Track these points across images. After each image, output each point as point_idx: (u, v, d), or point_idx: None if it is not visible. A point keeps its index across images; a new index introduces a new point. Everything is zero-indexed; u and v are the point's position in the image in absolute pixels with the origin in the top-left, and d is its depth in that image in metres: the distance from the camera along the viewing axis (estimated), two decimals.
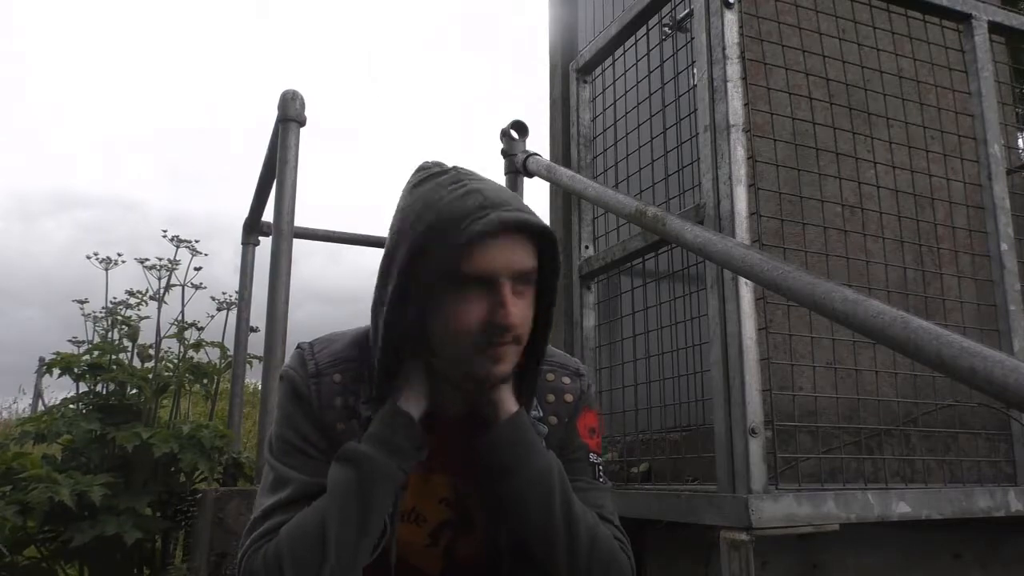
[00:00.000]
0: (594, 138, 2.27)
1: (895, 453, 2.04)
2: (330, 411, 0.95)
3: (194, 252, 2.94)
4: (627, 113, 2.20)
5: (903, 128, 2.02)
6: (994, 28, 1.98)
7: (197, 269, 2.95)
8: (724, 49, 1.62)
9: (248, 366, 3.19)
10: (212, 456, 2.49)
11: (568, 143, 2.47)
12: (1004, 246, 1.82)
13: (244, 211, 3.30)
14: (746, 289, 1.50)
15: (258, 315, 3.23)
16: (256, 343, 3.17)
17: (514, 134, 2.35)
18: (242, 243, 3.36)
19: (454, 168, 0.94)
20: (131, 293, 2.89)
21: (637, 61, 2.16)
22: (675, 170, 2.00)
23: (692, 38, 1.78)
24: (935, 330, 0.92)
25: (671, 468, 2.00)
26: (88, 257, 2.89)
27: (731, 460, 1.46)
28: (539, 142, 3.70)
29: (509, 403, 0.95)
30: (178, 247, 2.91)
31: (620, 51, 2.20)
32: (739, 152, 1.58)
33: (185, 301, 2.91)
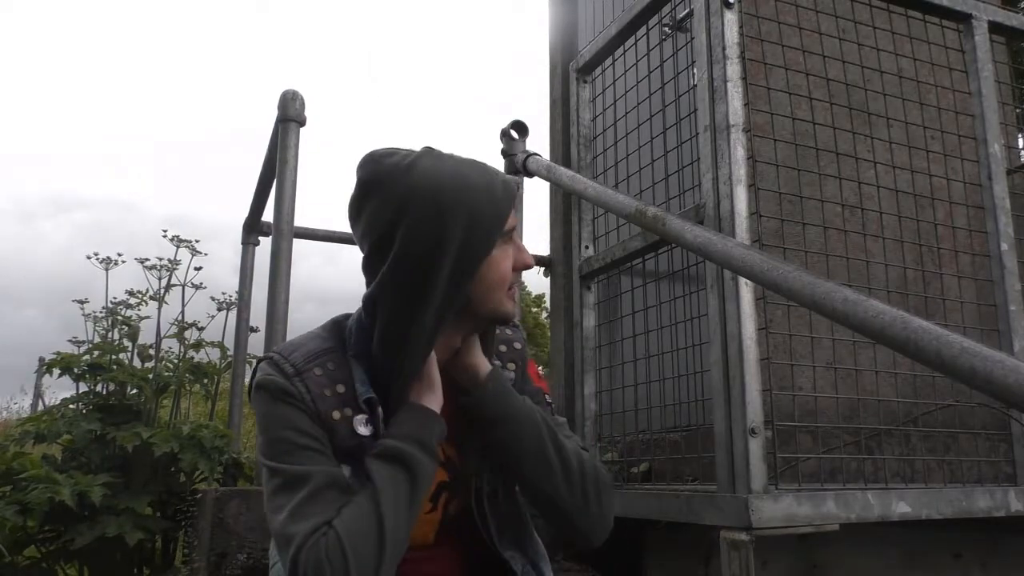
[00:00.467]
0: (594, 138, 2.27)
1: (895, 453, 2.04)
2: (322, 401, 0.96)
3: (194, 252, 2.94)
4: (627, 113, 2.20)
5: (903, 128, 2.02)
6: (994, 28, 1.98)
7: (197, 269, 2.95)
8: (724, 49, 1.62)
9: (248, 366, 3.18)
10: (212, 456, 2.49)
11: (568, 143, 2.47)
12: (1004, 246, 1.82)
13: (243, 212, 3.30)
14: (746, 289, 1.50)
15: (258, 315, 3.23)
16: (256, 343, 3.17)
17: (514, 134, 2.36)
18: (242, 243, 3.35)
19: (424, 147, 0.99)
20: (131, 293, 2.88)
21: (637, 61, 2.16)
22: (675, 170, 2.00)
23: (692, 38, 1.78)
24: (935, 330, 0.92)
25: (671, 468, 2.00)
26: (88, 257, 2.89)
27: (731, 460, 1.46)
28: (539, 142, 3.70)
29: (483, 362, 1.04)
30: (178, 247, 2.91)
31: (620, 51, 2.20)
32: (739, 152, 1.58)
33: (185, 301, 2.91)
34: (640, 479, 1.98)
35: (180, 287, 2.90)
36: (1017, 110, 2.45)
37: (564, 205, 2.91)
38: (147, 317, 2.86)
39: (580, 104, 2.26)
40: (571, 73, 2.30)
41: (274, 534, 0.92)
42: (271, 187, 2.42)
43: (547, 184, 2.75)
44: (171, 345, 2.89)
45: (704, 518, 1.50)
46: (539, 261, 3.13)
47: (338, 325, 1.06)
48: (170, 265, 2.89)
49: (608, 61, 2.25)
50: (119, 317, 2.83)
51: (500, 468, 1.06)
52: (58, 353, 2.76)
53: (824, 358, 1.91)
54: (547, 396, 1.16)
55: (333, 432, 0.96)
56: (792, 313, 1.86)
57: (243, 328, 3.16)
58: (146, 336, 2.84)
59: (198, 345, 2.92)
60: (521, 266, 1.03)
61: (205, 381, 2.90)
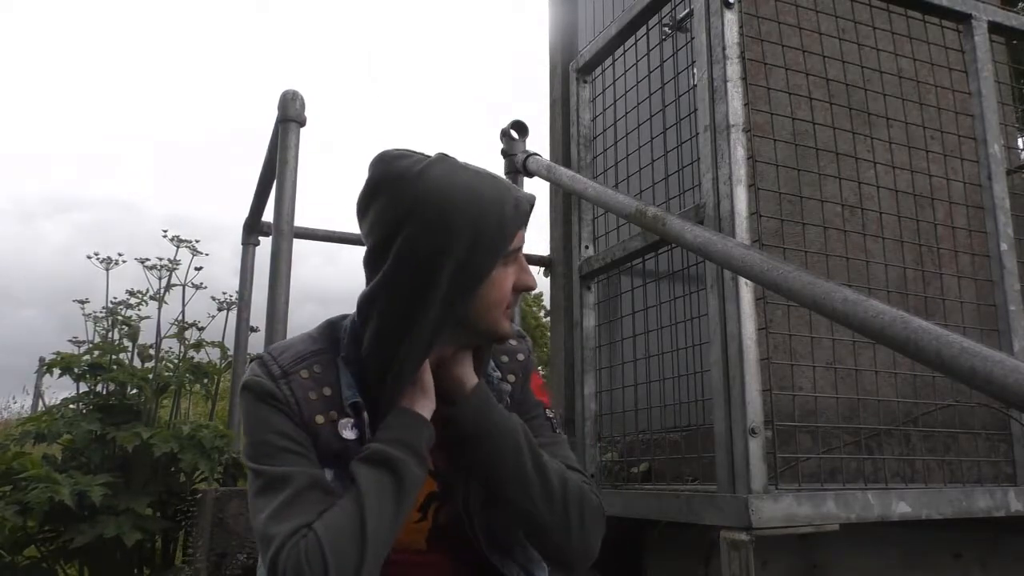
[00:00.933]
0: (594, 138, 2.27)
1: (895, 453, 2.04)
2: (307, 405, 0.96)
3: (194, 252, 2.94)
4: (627, 113, 2.20)
5: (903, 128, 2.02)
6: (994, 28, 1.98)
7: (197, 269, 2.95)
8: (724, 49, 1.62)
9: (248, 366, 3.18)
10: (212, 456, 2.49)
11: (568, 143, 2.47)
12: (1004, 246, 1.82)
13: (243, 212, 3.30)
14: (746, 289, 1.50)
15: (258, 315, 3.23)
16: (256, 343, 3.17)
17: (514, 134, 2.36)
18: (242, 243, 3.35)
19: (439, 153, 0.98)
20: (131, 293, 2.88)
21: (637, 61, 2.16)
22: (675, 170, 2.00)
23: (692, 38, 1.78)
24: (935, 330, 0.92)
25: (671, 468, 2.00)
26: (88, 257, 2.89)
27: (731, 460, 1.46)
28: (539, 142, 3.69)
29: (470, 376, 1.03)
30: (178, 247, 2.91)
31: (620, 51, 2.20)
32: (739, 152, 1.58)
33: (185, 301, 2.91)
34: (640, 479, 1.98)
35: (180, 287, 2.90)
36: (1018, 109, 2.45)
37: (564, 205, 2.91)
38: (147, 317, 2.86)
39: (580, 104, 2.26)
40: (571, 73, 2.30)
41: (256, 535, 0.92)
42: (271, 187, 2.41)
43: (547, 184, 2.75)
44: (171, 345, 2.90)
45: (704, 518, 1.50)
46: (539, 261, 3.14)
47: (332, 326, 1.05)
48: (170, 265, 2.89)
49: (608, 61, 2.25)
50: (119, 317, 2.83)
51: (482, 483, 1.04)
52: (58, 353, 2.76)
53: (824, 358, 1.91)
54: (548, 411, 1.14)
55: (317, 436, 0.95)
56: (792, 313, 1.86)
57: (243, 328, 3.16)
58: (146, 336, 2.84)
59: (198, 345, 2.92)
60: (522, 287, 1.01)
61: (205, 381, 2.90)
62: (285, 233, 2.21)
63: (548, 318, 4.63)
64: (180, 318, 2.90)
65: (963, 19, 1.95)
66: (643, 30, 2.08)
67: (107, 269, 2.87)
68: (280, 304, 2.17)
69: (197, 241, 2.93)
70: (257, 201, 3.12)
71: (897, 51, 2.07)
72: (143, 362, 2.80)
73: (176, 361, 2.87)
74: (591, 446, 2.00)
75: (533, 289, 1.02)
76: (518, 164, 2.30)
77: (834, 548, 1.81)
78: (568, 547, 1.02)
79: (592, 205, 2.16)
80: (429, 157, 0.96)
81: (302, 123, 2.29)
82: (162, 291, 2.86)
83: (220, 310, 3.09)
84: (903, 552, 1.88)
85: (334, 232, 3.43)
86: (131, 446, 2.40)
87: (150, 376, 2.71)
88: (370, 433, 0.97)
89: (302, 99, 2.31)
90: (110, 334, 2.84)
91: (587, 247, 2.17)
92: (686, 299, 1.99)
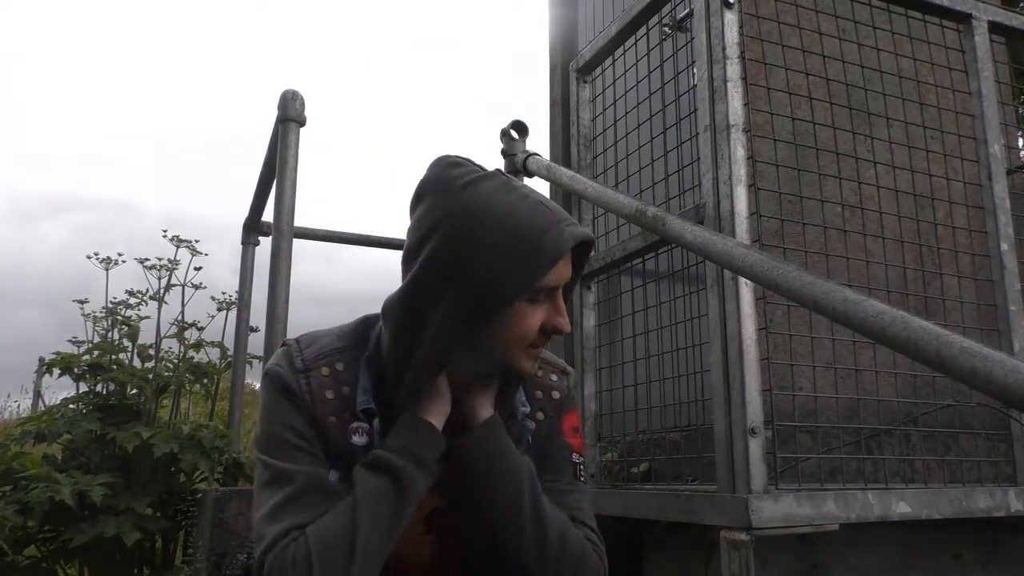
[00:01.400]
0: (594, 138, 2.27)
1: (895, 453, 2.04)
2: (321, 404, 0.95)
3: (194, 252, 2.94)
4: (627, 113, 2.20)
5: (903, 128, 2.02)
6: (994, 28, 1.98)
7: (197, 269, 2.95)
8: (724, 49, 1.62)
9: (248, 366, 3.19)
10: (212, 456, 2.49)
11: (568, 143, 2.47)
12: (1004, 246, 1.82)
13: (241, 213, 3.30)
14: (746, 289, 1.50)
15: (258, 315, 3.23)
16: (256, 343, 3.17)
17: (514, 134, 2.36)
18: (242, 243, 3.35)
19: (496, 170, 0.95)
20: (131, 293, 2.89)
21: (637, 61, 2.16)
22: (675, 170, 2.00)
23: (692, 38, 1.78)
24: (935, 330, 0.92)
25: (671, 468, 2.01)
26: (88, 257, 2.89)
27: (731, 460, 1.46)
28: (539, 142, 3.70)
29: (484, 408, 0.99)
30: (178, 247, 2.91)
31: (620, 51, 2.20)
32: (739, 152, 1.58)
33: (185, 301, 2.91)
34: (640, 479, 1.98)
35: (180, 287, 2.90)
36: (1018, 108, 2.45)
37: (564, 205, 2.91)
38: (147, 317, 2.86)
39: (580, 104, 2.26)
40: (571, 73, 2.30)
41: (253, 529, 0.92)
42: (271, 187, 2.42)
43: (547, 184, 2.75)
44: (171, 345, 2.90)
45: (704, 518, 1.50)
46: None
47: (366, 323, 1.03)
48: (170, 265, 2.89)
49: (608, 61, 2.25)
50: (119, 317, 2.83)
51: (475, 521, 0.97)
52: (58, 353, 2.76)
53: (824, 358, 1.91)
54: (575, 455, 1.08)
55: (327, 436, 0.95)
56: (792, 313, 1.86)
57: (243, 328, 3.16)
58: (146, 336, 2.85)
59: (198, 345, 2.92)
60: (552, 330, 0.94)
61: (205, 381, 2.90)
62: (285, 233, 2.21)
63: None
64: (180, 318, 2.90)
65: (963, 19, 1.95)
66: (643, 30, 2.08)
67: (107, 269, 2.87)
68: (280, 304, 2.17)
69: (197, 241, 2.94)
70: (257, 201, 3.12)
71: (897, 51, 2.07)
72: (143, 362, 2.80)
73: (176, 361, 2.87)
74: (591, 446, 2.00)
75: (563, 333, 0.96)
76: (518, 164, 2.30)
77: (834, 548, 1.81)
78: None
79: (592, 205, 2.16)
80: (483, 171, 0.93)
81: (302, 123, 2.30)
82: (162, 291, 2.86)
83: (220, 310, 3.09)
84: (903, 552, 1.88)
85: (334, 232, 3.43)
86: (131, 446, 2.41)
87: (150, 376, 2.71)
88: (380, 439, 0.96)
89: (302, 99, 2.31)
90: (110, 334, 2.84)
91: None
92: (686, 299, 1.99)
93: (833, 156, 1.88)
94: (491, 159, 2.49)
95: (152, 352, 2.81)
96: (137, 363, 2.80)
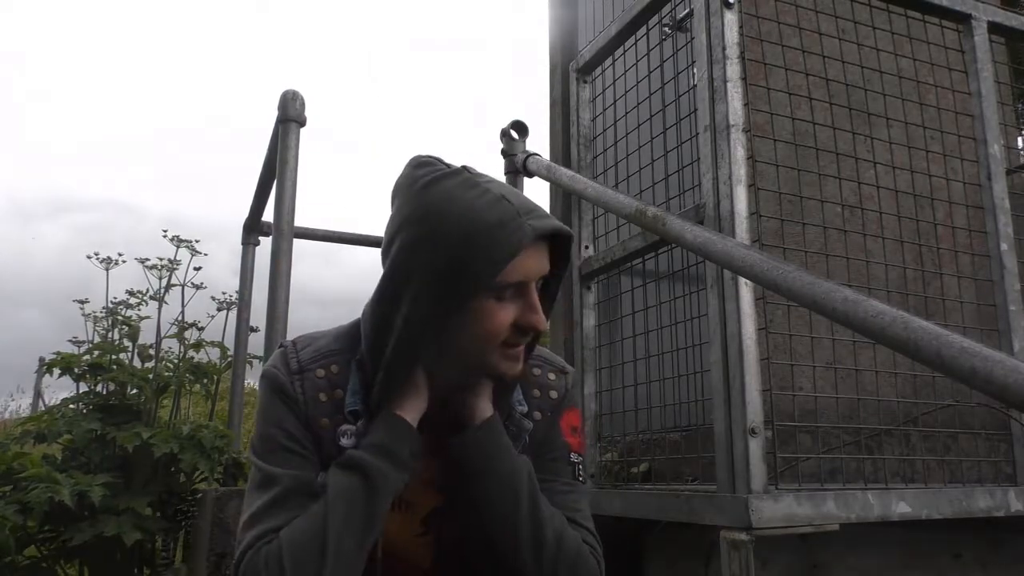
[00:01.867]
0: (594, 138, 2.27)
1: (895, 453, 2.04)
2: (315, 407, 0.95)
3: (194, 252, 2.94)
4: (627, 113, 2.20)
5: (903, 128, 2.02)
6: (994, 28, 1.98)
7: (197, 269, 2.95)
8: (724, 49, 1.62)
9: (248, 366, 3.19)
10: (212, 456, 2.49)
11: (568, 143, 2.47)
12: (1004, 246, 1.82)
13: (241, 213, 3.30)
14: (746, 289, 1.50)
15: (258, 315, 3.23)
16: (256, 343, 3.17)
17: (514, 134, 2.36)
18: (242, 243, 3.36)
19: (462, 167, 0.94)
20: (131, 293, 2.88)
21: (637, 61, 2.16)
22: (675, 170, 2.00)
23: (692, 38, 1.78)
24: (935, 330, 0.92)
25: (671, 468, 2.01)
26: (88, 257, 2.89)
27: (731, 460, 1.46)
28: (539, 142, 3.70)
29: (483, 407, 0.98)
30: (178, 247, 2.91)
31: (620, 51, 2.20)
32: (739, 152, 1.58)
33: (185, 301, 2.91)
34: (640, 479, 1.98)
35: (180, 287, 2.90)
36: (1018, 108, 2.45)
37: (564, 205, 2.91)
38: (147, 317, 2.86)
39: (580, 104, 2.26)
40: (571, 73, 2.30)
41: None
42: (271, 187, 2.42)
43: (547, 184, 2.75)
44: (171, 345, 2.89)
45: (704, 518, 1.50)
46: None
47: (359, 325, 1.02)
48: (170, 265, 2.89)
49: (608, 61, 2.25)
50: (119, 317, 2.83)
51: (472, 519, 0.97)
52: (58, 353, 2.76)
53: (824, 358, 1.91)
54: (574, 455, 1.06)
55: (320, 438, 0.95)
56: (792, 313, 1.86)
57: (243, 328, 3.16)
58: (146, 336, 2.84)
59: (198, 345, 2.92)
60: (526, 327, 0.92)
61: (205, 381, 2.90)
62: (285, 233, 2.21)
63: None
64: (180, 318, 2.90)
65: (963, 19, 1.95)
66: (643, 30, 2.08)
67: (107, 269, 2.87)
68: (280, 304, 2.18)
69: (197, 241, 2.93)
70: (257, 201, 3.13)
71: (897, 51, 2.07)
72: (143, 362, 2.79)
73: (176, 361, 2.87)
74: (591, 446, 2.00)
75: (539, 331, 0.93)
76: (518, 164, 2.30)
77: (834, 548, 1.82)
78: None
79: (592, 205, 2.16)
80: (447, 169, 0.92)
81: (302, 123, 2.30)
82: (162, 291, 2.86)
83: (220, 310, 3.09)
84: (903, 552, 1.88)
85: (334, 232, 3.42)
86: (131, 446, 2.40)
87: (150, 376, 2.71)
88: None
89: (302, 99, 2.31)
90: (110, 334, 2.84)
91: (587, 247, 2.17)
92: (686, 299, 1.99)
93: (833, 156, 1.88)
94: (491, 159, 2.49)
95: (152, 352, 2.81)
96: (137, 363, 2.80)
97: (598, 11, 3.02)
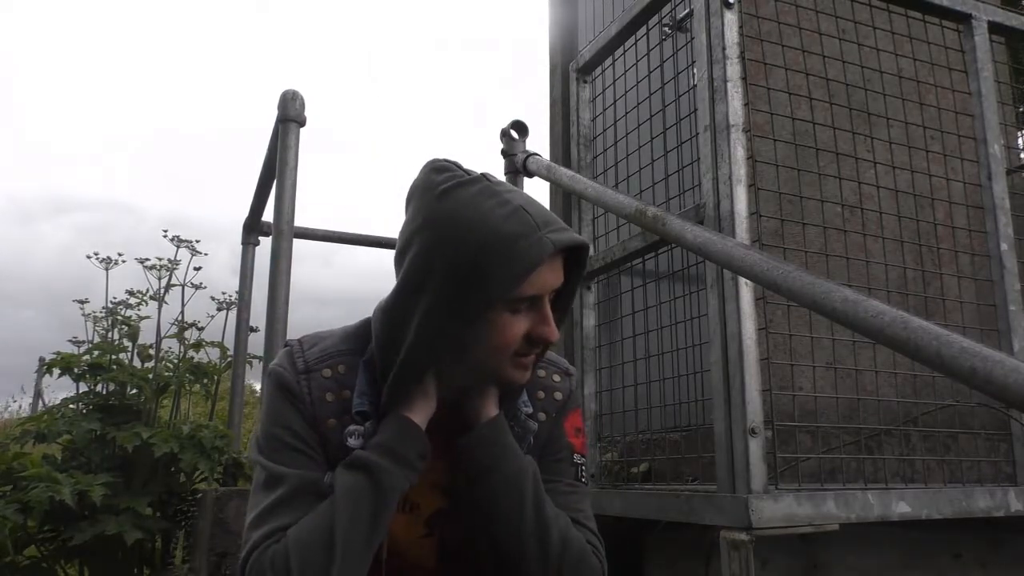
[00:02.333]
0: (594, 138, 2.27)
1: (895, 453, 2.04)
2: (321, 406, 0.95)
3: (194, 252, 2.94)
4: (627, 113, 2.20)
5: (903, 128, 2.02)
6: (994, 28, 1.98)
7: (197, 269, 2.95)
8: (724, 49, 1.62)
9: (248, 366, 3.19)
10: (212, 456, 2.49)
11: (568, 143, 2.47)
12: (1004, 246, 1.82)
13: (240, 213, 3.30)
14: (746, 289, 1.50)
15: (258, 315, 3.23)
16: (256, 343, 3.17)
17: (514, 134, 2.36)
18: (242, 243, 3.35)
19: (481, 174, 0.93)
20: (131, 293, 2.88)
21: (637, 61, 2.16)
22: (675, 170, 2.00)
23: (692, 38, 1.78)
24: (935, 330, 0.92)
25: (671, 468, 2.01)
26: (88, 257, 2.89)
27: (731, 460, 1.46)
28: (539, 142, 3.70)
29: (490, 408, 0.98)
30: (178, 247, 2.91)
31: (620, 51, 2.20)
32: (739, 152, 1.58)
33: (185, 301, 2.91)
34: (640, 479, 1.98)
35: (180, 287, 2.90)
36: (1018, 109, 2.45)
37: (564, 205, 2.91)
38: (147, 317, 2.86)
39: (580, 104, 2.26)
40: (571, 73, 2.30)
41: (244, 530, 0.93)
42: (271, 187, 2.41)
43: (547, 184, 2.75)
44: (171, 345, 2.90)
45: (704, 518, 1.50)
46: None
47: (367, 326, 1.02)
48: (170, 265, 2.89)
49: (608, 61, 2.25)
50: (119, 317, 2.83)
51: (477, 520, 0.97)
52: (58, 353, 2.76)
53: (824, 358, 1.91)
54: (577, 456, 1.07)
55: (326, 438, 0.95)
56: (792, 313, 1.86)
57: (243, 328, 3.16)
58: (146, 336, 2.84)
59: (198, 345, 2.92)
60: (537, 339, 0.92)
61: (205, 381, 2.90)
62: (285, 233, 2.21)
63: None
64: (180, 318, 2.90)
65: (963, 19, 1.95)
66: (643, 30, 2.08)
67: (107, 269, 2.87)
68: (280, 304, 2.17)
69: (197, 241, 2.93)
70: (257, 201, 3.12)
71: (897, 51, 2.07)
72: (143, 362, 2.80)
73: (176, 361, 2.87)
74: (591, 446, 2.00)
75: (551, 342, 0.94)
76: (518, 164, 2.30)
77: (834, 548, 1.82)
78: None
79: (592, 205, 2.16)
80: (466, 176, 0.91)
81: (302, 123, 2.29)
82: (162, 291, 2.86)
83: (220, 310, 3.09)
84: (903, 552, 1.88)
85: (334, 232, 3.42)
86: (131, 446, 2.40)
87: (150, 376, 2.71)
88: None
89: (302, 99, 2.31)
90: (110, 334, 2.84)
91: None
92: (686, 299, 1.99)
93: (833, 156, 1.88)
94: (491, 159, 2.49)
95: (152, 352, 2.81)
96: (137, 363, 2.80)
97: (598, 11, 3.02)
